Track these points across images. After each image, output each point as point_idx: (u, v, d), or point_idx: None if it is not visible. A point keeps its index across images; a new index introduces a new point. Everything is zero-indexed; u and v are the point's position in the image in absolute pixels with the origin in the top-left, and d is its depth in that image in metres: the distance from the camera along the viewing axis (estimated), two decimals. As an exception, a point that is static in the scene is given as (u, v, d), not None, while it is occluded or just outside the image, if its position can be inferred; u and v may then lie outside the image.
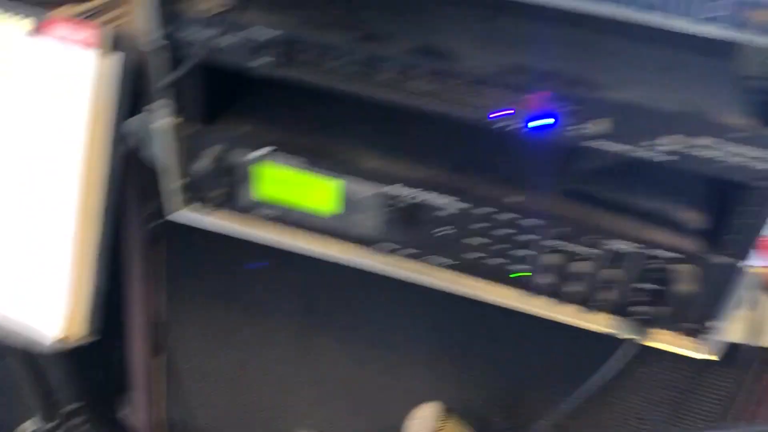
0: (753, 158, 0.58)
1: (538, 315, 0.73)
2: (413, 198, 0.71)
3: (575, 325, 0.72)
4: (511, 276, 0.73)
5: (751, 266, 0.64)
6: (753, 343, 0.74)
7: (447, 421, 0.82)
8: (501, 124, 0.63)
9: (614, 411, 0.85)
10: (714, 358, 0.69)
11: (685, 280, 0.65)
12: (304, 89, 0.67)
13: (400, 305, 0.88)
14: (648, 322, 0.69)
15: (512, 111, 0.62)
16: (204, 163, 0.73)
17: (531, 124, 0.62)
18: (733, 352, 0.76)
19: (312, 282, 0.89)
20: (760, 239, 0.63)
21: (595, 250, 0.68)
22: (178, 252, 0.93)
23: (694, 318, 0.69)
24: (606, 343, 0.71)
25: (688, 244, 0.66)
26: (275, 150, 0.72)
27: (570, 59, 0.64)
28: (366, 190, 0.72)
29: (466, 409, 0.89)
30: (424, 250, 0.74)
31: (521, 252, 0.71)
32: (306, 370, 0.98)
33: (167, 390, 1.06)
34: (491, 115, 0.63)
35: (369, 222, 0.74)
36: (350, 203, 0.73)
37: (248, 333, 0.97)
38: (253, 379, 1.02)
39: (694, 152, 0.59)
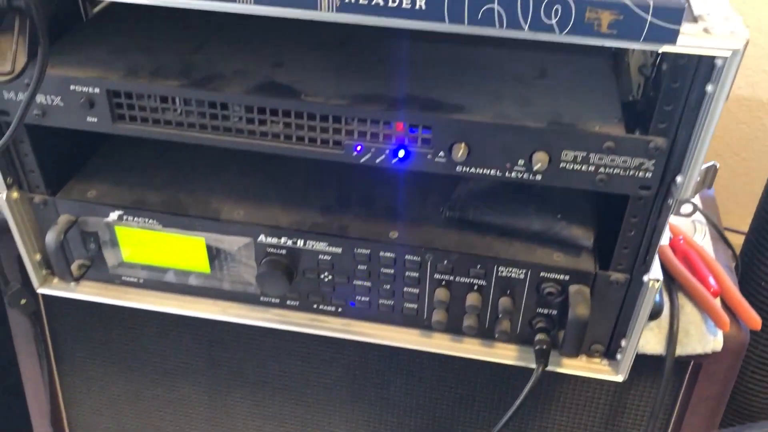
0: (626, 167, 0.53)
1: (440, 353, 0.67)
2: (287, 246, 0.65)
3: (481, 359, 0.67)
4: (405, 315, 0.67)
5: (653, 279, 0.59)
6: (671, 353, 0.70)
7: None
8: (363, 159, 0.57)
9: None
10: (620, 379, 0.64)
11: (582, 302, 0.60)
12: (152, 143, 0.61)
13: (309, 352, 0.82)
14: (551, 348, 0.64)
15: (363, 145, 0.56)
16: (55, 235, 0.66)
17: (395, 157, 0.56)
18: (653, 364, 0.71)
19: (216, 336, 0.82)
20: (656, 250, 0.58)
21: (484, 281, 0.62)
22: (67, 325, 0.86)
23: (599, 338, 0.64)
24: (524, 372, 0.66)
25: (580, 263, 0.61)
26: (126, 213, 0.65)
27: (428, 81, 0.58)
28: (232, 243, 0.65)
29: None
30: (309, 300, 0.68)
31: (411, 290, 0.65)
32: (221, 430, 0.91)
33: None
34: (354, 150, 0.57)
35: (244, 276, 0.68)
36: (218, 259, 0.67)
37: (156, 396, 0.90)
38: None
39: (563, 167, 0.54)
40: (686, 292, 0.73)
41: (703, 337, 0.70)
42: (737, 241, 0.93)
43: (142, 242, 0.68)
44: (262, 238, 0.65)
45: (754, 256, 0.88)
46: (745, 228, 0.90)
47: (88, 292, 0.72)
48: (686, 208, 0.54)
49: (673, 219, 0.79)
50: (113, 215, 0.66)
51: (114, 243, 0.68)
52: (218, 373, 0.85)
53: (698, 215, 0.83)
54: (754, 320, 0.71)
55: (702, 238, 0.80)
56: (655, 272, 0.58)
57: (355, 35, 0.63)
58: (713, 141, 1.19)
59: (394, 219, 0.65)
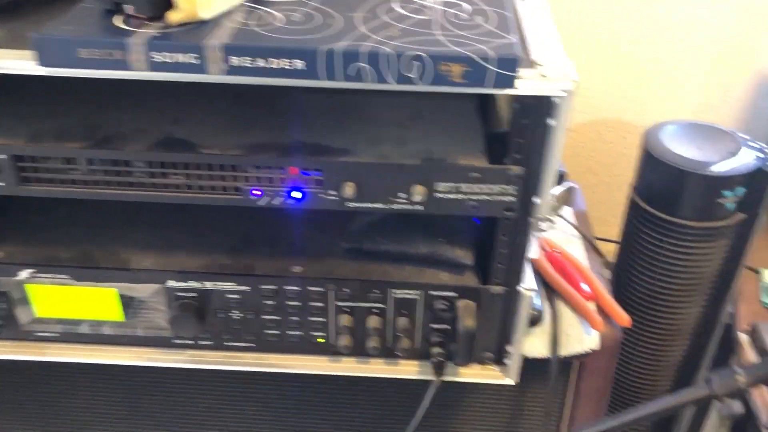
0: (491, 194, 0.61)
1: (350, 375, 0.72)
2: (196, 288, 0.69)
3: (387, 377, 0.73)
4: (314, 343, 0.72)
5: (526, 288, 0.66)
6: (555, 354, 0.78)
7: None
8: (262, 202, 0.62)
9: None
10: (512, 382, 0.72)
11: (468, 315, 0.67)
12: (61, 201, 0.64)
13: (227, 393, 0.85)
14: (447, 360, 0.70)
15: (260, 189, 0.62)
16: (-37, 298, 0.67)
17: (291, 198, 0.62)
18: (542, 366, 0.79)
19: (134, 385, 0.85)
20: (525, 263, 0.66)
21: (382, 304, 0.69)
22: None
23: (489, 346, 0.72)
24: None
25: (465, 280, 0.68)
26: (37, 271, 0.68)
27: (316, 128, 0.64)
28: (143, 291, 0.69)
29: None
30: (221, 338, 0.72)
31: (316, 319, 0.71)
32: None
33: None
34: (252, 195, 0.62)
35: (157, 321, 0.71)
36: (131, 307, 0.70)
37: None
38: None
39: (439, 197, 0.61)
40: (564, 299, 0.82)
41: (581, 338, 0.79)
42: (613, 248, 1.04)
43: (55, 297, 0.70)
44: (171, 283, 0.69)
45: (625, 261, 0.99)
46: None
47: (1, 351, 0.73)
48: (547, 224, 0.62)
49: (549, 234, 0.88)
50: (23, 274, 0.68)
51: (25, 301, 0.70)
52: (137, 423, 0.87)
53: (572, 229, 0.93)
54: (624, 319, 0.80)
55: (576, 250, 0.90)
56: (529, 282, 0.66)
57: (248, 90, 0.69)
58: (588, 161, 1.30)
59: (297, 254, 0.70)
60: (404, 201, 0.61)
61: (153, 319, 0.71)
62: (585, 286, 0.82)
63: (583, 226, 0.96)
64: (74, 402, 0.86)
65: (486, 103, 0.70)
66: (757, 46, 1.13)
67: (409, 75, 0.52)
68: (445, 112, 0.67)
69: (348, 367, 0.73)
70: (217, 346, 0.73)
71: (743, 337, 0.93)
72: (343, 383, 0.81)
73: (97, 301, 0.70)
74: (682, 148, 0.91)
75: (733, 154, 0.90)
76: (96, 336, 0.73)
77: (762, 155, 0.90)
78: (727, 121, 1.19)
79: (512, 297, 0.68)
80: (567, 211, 0.97)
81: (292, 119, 0.67)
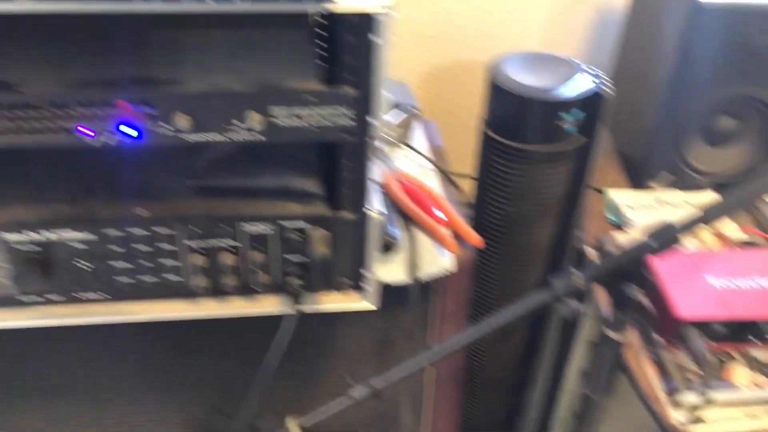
0: (328, 117, 0.62)
1: (211, 317, 0.72)
2: (38, 241, 0.66)
3: (248, 315, 0.73)
4: (169, 286, 0.71)
5: (374, 211, 0.68)
6: (415, 279, 0.81)
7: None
8: (94, 142, 0.60)
9: (332, 377, 0.89)
10: (372, 306, 0.74)
11: (320, 242, 0.68)
12: None
13: (93, 349, 0.83)
14: (306, 290, 0.72)
15: (90, 128, 0.60)
16: None
17: (125, 136, 0.60)
18: (404, 292, 0.82)
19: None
20: (370, 186, 0.68)
21: (234, 241, 0.69)
22: None
23: (346, 273, 0.73)
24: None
25: (315, 209, 0.69)
26: None
27: (148, 62, 0.62)
28: (-22, 247, 0.66)
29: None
30: (71, 291, 0.70)
31: (169, 262, 0.70)
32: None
33: None
34: (82, 135, 0.60)
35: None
36: (-33, 266, 0.67)
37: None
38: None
39: (277, 123, 0.61)
40: (420, 226, 0.85)
41: (437, 261, 0.82)
42: (470, 183, 1.08)
43: None
44: (7, 236, 0.65)
45: (482, 191, 1.03)
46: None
47: None
48: (389, 148, 0.64)
49: (405, 168, 0.91)
50: None
51: None
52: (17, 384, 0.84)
53: (428, 164, 0.96)
54: (476, 239, 0.84)
55: (431, 182, 0.93)
56: (376, 205, 0.68)
57: (70, 22, 0.66)
58: (448, 103, 1.33)
59: (141, 197, 0.69)
60: (243, 130, 0.61)
61: (-7, 278, 0.68)
62: (439, 213, 0.85)
63: (439, 160, 1.00)
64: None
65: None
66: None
67: (227, -6, 0.51)
68: (279, 40, 0.67)
69: (206, 308, 0.72)
70: (68, 300, 0.71)
71: (590, 251, 1.00)
72: (207, 325, 0.81)
73: (-73, 264, 0.66)
74: (522, 77, 0.95)
75: (570, 79, 0.96)
76: (-68, 302, 0.69)
77: (597, 80, 0.96)
78: (571, 52, 1.26)
79: (362, 222, 0.69)
80: (423, 147, 1.00)
81: (119, 52, 0.64)
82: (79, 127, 0.60)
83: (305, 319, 0.75)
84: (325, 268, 0.69)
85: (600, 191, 1.08)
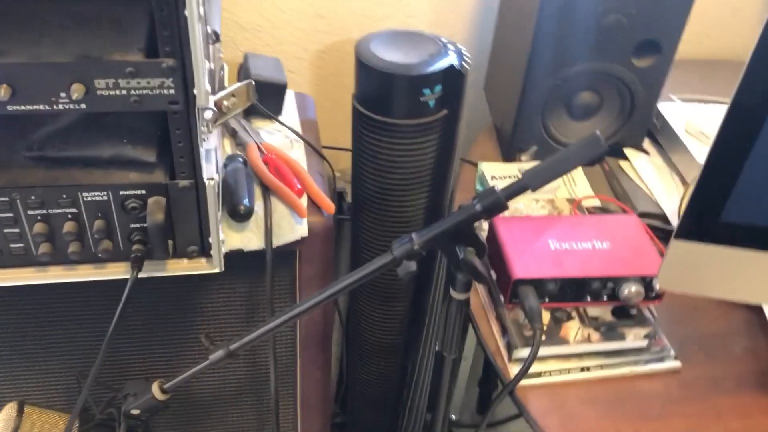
0: (152, 87, 0.64)
1: (63, 281, 0.75)
2: None
3: (93, 280, 0.76)
4: (16, 255, 0.73)
5: (207, 178, 0.71)
6: (269, 245, 0.84)
7: (25, 413, 0.81)
8: None
9: (192, 340, 0.92)
10: (217, 270, 0.77)
11: (156, 209, 0.71)
12: None
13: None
14: (149, 257, 0.75)
15: None
16: None
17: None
18: (261, 258, 0.85)
19: None
20: (200, 153, 0.70)
21: (75, 209, 0.71)
22: None
23: (193, 240, 0.76)
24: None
25: (152, 177, 0.72)
26: None
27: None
28: None
29: (60, 392, 0.90)
30: None
31: (10, 230, 0.72)
32: None
33: None
34: None
35: None
36: None
37: None
38: None
39: (100, 94, 0.64)
40: (277, 195, 0.88)
41: (292, 228, 0.86)
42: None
43: None
44: None
45: (356, 164, 1.07)
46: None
47: None
48: (213, 115, 0.67)
49: (271, 140, 0.94)
50: None
51: None
52: None
53: (296, 137, 1.00)
54: (329, 206, 0.88)
55: (296, 155, 0.96)
56: (209, 173, 0.71)
57: None
58: (334, 80, 1.35)
59: (-21, 168, 0.71)
60: (66, 101, 0.63)
61: None
62: (297, 183, 0.88)
63: (308, 134, 1.03)
64: None
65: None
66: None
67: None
68: (108, 19, 0.69)
69: (55, 274, 0.75)
70: None
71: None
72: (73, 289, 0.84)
73: None
74: (385, 54, 0.99)
75: (434, 56, 1.00)
76: None
77: (459, 57, 1.00)
78: (455, 32, 1.30)
79: (197, 189, 0.72)
80: (294, 121, 1.03)
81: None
82: None
83: (161, 283, 0.78)
84: (160, 234, 0.71)
85: (475, 164, 1.13)
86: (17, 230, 0.72)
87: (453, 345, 0.87)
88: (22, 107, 0.63)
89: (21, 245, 0.73)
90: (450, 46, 1.03)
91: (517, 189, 0.74)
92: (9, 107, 0.63)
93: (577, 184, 1.09)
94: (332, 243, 0.91)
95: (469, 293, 0.82)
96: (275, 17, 1.23)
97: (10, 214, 0.70)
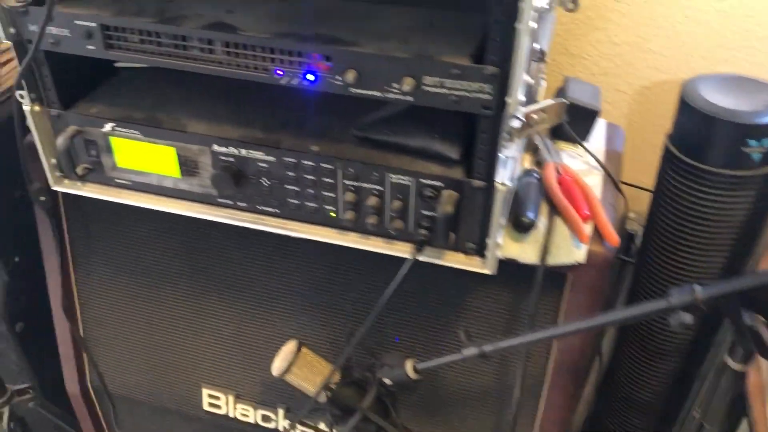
0: (470, 90, 0.70)
1: (351, 247, 0.85)
2: (234, 154, 0.84)
3: (380, 252, 0.84)
4: (326, 216, 0.85)
5: (500, 183, 0.75)
6: (543, 262, 0.86)
7: (301, 353, 0.94)
8: (282, 81, 0.76)
9: (450, 334, 0.97)
10: (489, 272, 0.80)
11: (448, 202, 0.77)
12: (140, 72, 0.80)
13: (270, 260, 1.01)
14: (430, 243, 0.81)
15: (282, 70, 0.75)
16: (63, 140, 0.87)
17: (305, 80, 0.74)
18: (532, 272, 0.87)
19: (194, 246, 1.02)
20: (503, 159, 0.74)
21: (381, 187, 0.80)
22: (82, 232, 1.07)
23: (472, 238, 0.81)
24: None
25: (451, 172, 0.78)
26: (116, 126, 0.86)
27: (335, 26, 0.76)
28: (195, 152, 0.85)
29: (330, 343, 1.02)
30: (254, 201, 0.87)
31: (327, 193, 0.83)
32: (201, 329, 1.11)
33: (88, 359, 1.20)
34: (275, 74, 0.76)
35: (204, 180, 0.87)
36: (185, 166, 0.87)
37: (146, 299, 1.11)
38: (157, 342, 1.15)
39: (426, 89, 0.71)
40: (562, 216, 0.88)
41: (570, 251, 0.86)
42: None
43: (130, 150, 0.88)
44: (215, 147, 0.84)
45: (656, 207, 1.02)
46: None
47: (90, 190, 0.93)
48: (520, 124, 0.71)
49: (569, 162, 0.95)
50: (107, 127, 0.86)
51: (109, 150, 0.89)
52: (195, 277, 1.05)
53: (596, 165, 0.99)
54: (612, 237, 0.86)
55: (592, 182, 0.95)
56: (503, 177, 0.75)
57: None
58: (652, 117, 1.31)
59: (317, 136, 0.83)
60: (397, 91, 0.72)
61: (202, 178, 0.87)
62: (586, 208, 0.88)
63: (611, 165, 1.01)
64: (149, 254, 1.05)
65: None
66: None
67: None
68: (450, 24, 0.76)
69: (351, 239, 0.85)
70: (251, 209, 0.88)
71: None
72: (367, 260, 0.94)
73: (160, 158, 0.87)
74: (714, 97, 0.93)
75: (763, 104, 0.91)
76: (161, 188, 0.90)
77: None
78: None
79: (489, 191, 0.76)
80: (598, 149, 1.03)
81: (318, 19, 0.78)
82: (274, 69, 0.75)
83: (436, 272, 0.84)
84: (448, 227, 0.77)
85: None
86: (333, 195, 0.83)
87: (717, 418, 0.79)
88: (362, 91, 0.73)
89: (333, 208, 0.84)
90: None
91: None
92: (352, 89, 0.73)
93: None
94: (607, 278, 0.88)
95: (749, 366, 0.74)
96: (605, 47, 1.22)
97: (331, 180, 0.82)
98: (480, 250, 0.82)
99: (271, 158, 0.83)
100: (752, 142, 0.91)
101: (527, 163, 0.97)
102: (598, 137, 1.05)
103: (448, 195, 0.77)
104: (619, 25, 1.20)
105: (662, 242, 1.01)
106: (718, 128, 0.91)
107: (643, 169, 1.28)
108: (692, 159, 0.95)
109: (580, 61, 1.24)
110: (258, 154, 0.83)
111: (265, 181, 0.85)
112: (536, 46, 0.76)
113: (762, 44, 1.16)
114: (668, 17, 1.18)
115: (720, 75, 0.98)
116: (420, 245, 0.80)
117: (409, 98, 0.72)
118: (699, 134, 0.94)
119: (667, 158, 0.99)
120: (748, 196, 0.95)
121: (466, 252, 0.82)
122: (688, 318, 0.71)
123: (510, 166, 0.75)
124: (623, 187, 1.02)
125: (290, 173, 0.83)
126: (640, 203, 1.23)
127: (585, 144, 1.00)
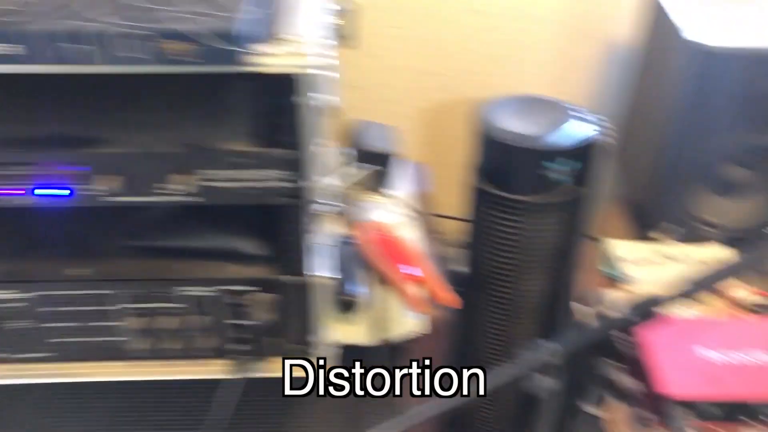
0: (264, 179, 0.58)
1: (145, 379, 0.69)
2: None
3: (190, 378, 0.69)
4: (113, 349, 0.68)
5: (322, 277, 0.64)
6: (379, 340, 0.76)
7: None
8: (17, 201, 0.58)
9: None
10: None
11: (264, 307, 0.64)
12: None
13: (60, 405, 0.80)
14: (251, 356, 0.67)
15: (23, 188, 0.57)
16: None
17: (39, 192, 0.57)
18: (368, 353, 0.77)
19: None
20: (312, 249, 0.63)
21: (173, 303, 0.65)
22: None
23: (295, 339, 0.69)
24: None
25: (259, 272, 0.65)
26: None
27: (75, 120, 0.60)
28: None
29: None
30: (13, 350, 0.68)
31: (107, 324, 0.66)
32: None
33: None
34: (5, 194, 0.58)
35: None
36: None
37: None
38: None
39: (212, 185, 0.58)
40: (390, 284, 0.79)
41: (408, 322, 0.77)
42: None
43: None
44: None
45: (473, 239, 0.97)
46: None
47: None
48: (333, 209, 0.60)
49: (386, 218, 0.86)
50: None
51: None
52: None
53: (409, 211, 0.92)
54: (451, 300, 0.79)
55: (414, 233, 0.87)
56: (322, 269, 0.63)
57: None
58: (444, 142, 1.27)
59: (79, 256, 0.66)
60: (178, 193, 0.58)
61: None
62: (414, 271, 0.80)
63: (425, 206, 0.95)
64: None
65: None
66: (602, 13, 1.13)
67: (135, 55, 0.48)
68: (214, 101, 0.63)
69: (148, 371, 0.69)
70: (13, 360, 0.68)
71: (579, 308, 0.93)
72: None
73: None
74: (509, 123, 0.90)
75: (561, 126, 0.90)
76: None
77: (597, 127, 0.89)
78: (577, 93, 1.19)
79: (306, 286, 0.65)
80: (409, 192, 0.95)
81: (49, 109, 0.61)
82: (3, 189, 0.57)
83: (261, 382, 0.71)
84: (270, 334, 0.64)
85: (598, 240, 1.01)
86: (113, 323, 0.66)
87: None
88: (130, 199, 0.58)
89: (117, 338, 0.67)
90: (584, 116, 0.92)
91: (680, 296, 0.63)
92: (117, 199, 0.58)
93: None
94: (443, 340, 0.81)
95: (603, 409, 0.70)
96: (383, 75, 1.16)
97: (106, 307, 0.65)
98: (306, 350, 0.70)
99: (22, 295, 0.64)
100: (550, 165, 0.88)
101: (340, 226, 0.86)
102: (405, 180, 0.98)
103: (263, 299, 0.64)
104: (394, 50, 1.14)
105: (483, 272, 0.97)
106: (516, 155, 0.88)
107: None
108: (497, 188, 0.92)
109: (364, 94, 1.16)
110: (5, 295, 0.64)
111: (21, 324, 0.66)
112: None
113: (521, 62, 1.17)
114: (440, 38, 1.15)
115: (510, 98, 0.96)
116: (241, 362, 0.66)
117: (198, 199, 0.58)
118: (499, 163, 0.91)
119: (474, 189, 0.95)
120: (559, 219, 0.93)
121: (287, 354, 0.70)
122: (550, 381, 0.66)
123: (326, 252, 0.65)
124: (442, 220, 0.96)
125: (50, 309, 0.65)
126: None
127: (392, 192, 0.92)
